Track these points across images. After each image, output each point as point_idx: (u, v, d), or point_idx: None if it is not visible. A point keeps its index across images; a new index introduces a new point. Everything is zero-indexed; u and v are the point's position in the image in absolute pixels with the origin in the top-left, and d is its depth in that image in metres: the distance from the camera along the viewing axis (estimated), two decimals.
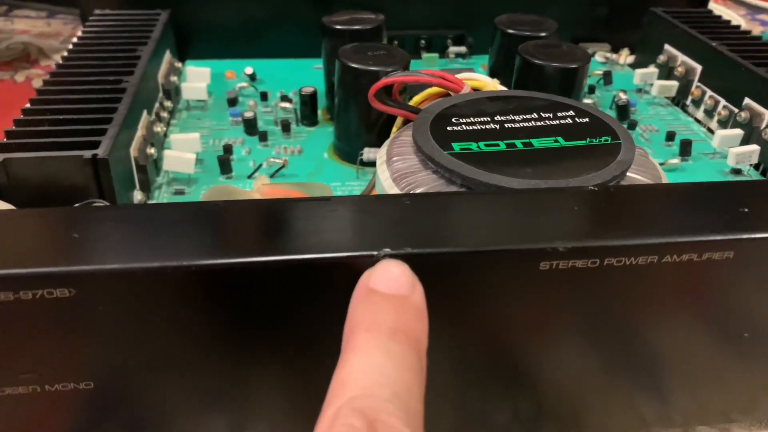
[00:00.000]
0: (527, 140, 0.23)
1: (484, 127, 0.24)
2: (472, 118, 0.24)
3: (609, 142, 0.23)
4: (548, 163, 0.22)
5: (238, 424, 0.18)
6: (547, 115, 0.25)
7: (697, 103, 0.37)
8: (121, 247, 0.15)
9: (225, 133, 0.34)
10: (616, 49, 0.46)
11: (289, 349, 0.17)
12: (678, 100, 0.39)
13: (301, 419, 0.18)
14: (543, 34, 0.34)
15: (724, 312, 0.18)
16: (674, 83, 0.38)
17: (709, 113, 0.36)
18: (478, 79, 0.28)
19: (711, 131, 0.36)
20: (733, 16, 0.63)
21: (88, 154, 0.23)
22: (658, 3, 0.44)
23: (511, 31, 0.35)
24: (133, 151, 0.27)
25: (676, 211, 0.18)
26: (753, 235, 0.17)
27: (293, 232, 0.16)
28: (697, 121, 0.37)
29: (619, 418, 0.21)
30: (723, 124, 0.35)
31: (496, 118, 0.25)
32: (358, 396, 0.12)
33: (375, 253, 0.15)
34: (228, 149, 0.31)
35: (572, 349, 0.18)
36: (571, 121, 0.25)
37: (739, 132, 0.33)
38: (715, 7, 0.65)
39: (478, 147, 0.22)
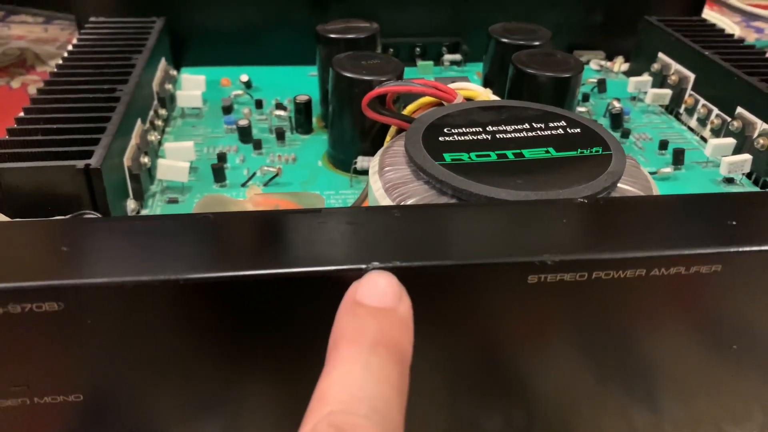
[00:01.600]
0: (518, 151, 0.23)
1: (475, 138, 0.24)
2: (464, 129, 0.25)
3: (600, 152, 0.23)
4: (539, 174, 0.22)
5: None
6: (538, 125, 0.25)
7: (690, 111, 0.37)
8: (111, 261, 0.15)
9: (219, 140, 0.34)
10: (610, 57, 0.46)
11: (278, 362, 0.17)
12: (671, 109, 0.39)
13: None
14: (537, 43, 0.34)
15: (713, 324, 0.18)
16: (668, 91, 0.38)
17: (702, 122, 0.36)
18: (471, 88, 0.29)
19: (704, 140, 0.36)
20: (728, 23, 0.63)
21: (80, 164, 0.23)
22: (653, 11, 0.44)
23: (505, 39, 0.35)
24: (126, 161, 0.27)
25: (664, 224, 0.18)
26: (741, 249, 0.17)
27: (283, 245, 0.16)
28: (691, 129, 0.37)
29: (610, 429, 0.21)
30: (716, 132, 0.35)
31: (488, 129, 0.25)
32: (335, 411, 0.12)
33: (364, 266, 0.15)
34: (222, 157, 0.32)
35: (562, 361, 0.18)
36: (562, 132, 0.25)
37: (731, 141, 0.33)
38: (710, 15, 0.65)
39: (470, 158, 0.23)
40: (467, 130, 0.25)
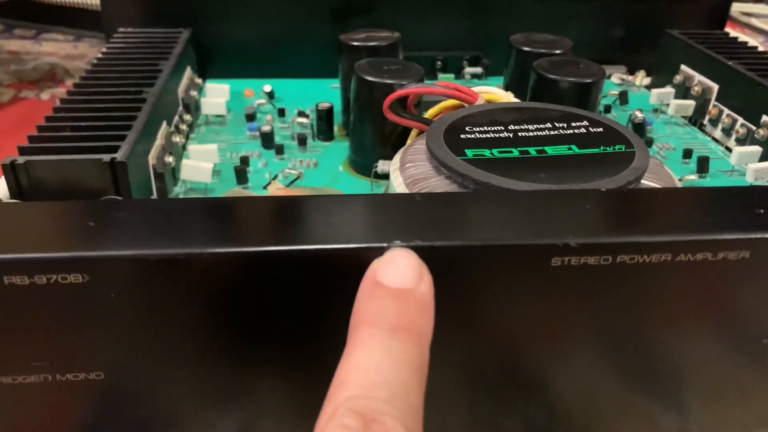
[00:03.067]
0: (541, 148, 0.23)
1: (497, 136, 0.24)
2: (485, 127, 0.25)
3: (623, 150, 0.23)
4: (562, 169, 0.22)
5: (249, 417, 0.18)
6: (561, 125, 0.25)
7: (714, 122, 0.37)
8: (135, 235, 0.15)
9: (242, 146, 0.34)
10: (632, 71, 0.46)
11: (300, 341, 0.16)
12: (695, 120, 0.39)
13: (311, 413, 0.18)
14: (558, 52, 0.34)
15: (741, 315, 0.18)
16: (691, 102, 0.38)
17: (727, 132, 0.36)
18: (492, 91, 0.29)
19: (729, 150, 0.35)
20: (751, 42, 0.63)
21: (107, 157, 0.24)
22: (675, 26, 0.44)
23: (526, 48, 0.35)
24: (151, 159, 0.27)
25: (691, 211, 0.18)
26: None
27: (305, 223, 0.16)
28: (715, 140, 0.37)
29: (632, 426, 0.20)
30: (741, 142, 0.35)
31: (509, 128, 0.25)
32: (355, 396, 0.12)
33: (385, 245, 0.15)
34: (245, 161, 0.32)
35: (583, 349, 0.18)
36: (585, 131, 0.25)
37: (757, 149, 0.33)
38: (733, 33, 0.65)
39: (492, 153, 0.23)
40: (489, 128, 0.25)
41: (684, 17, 0.46)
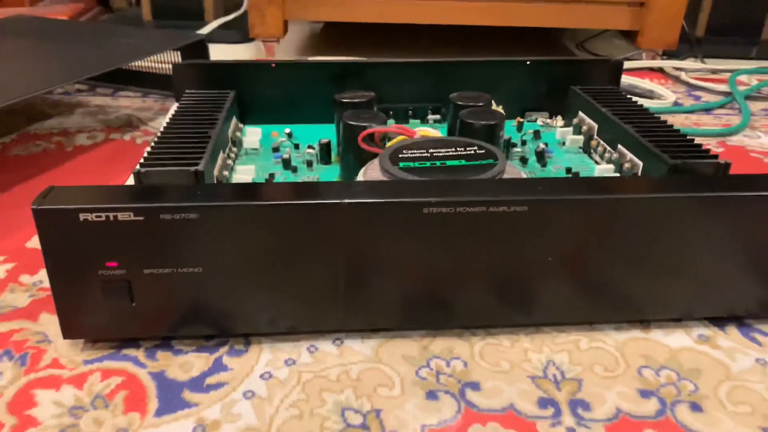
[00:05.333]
0: (444, 162, 0.40)
1: (420, 155, 0.41)
2: (414, 151, 0.41)
3: (493, 162, 0.40)
4: (453, 172, 0.39)
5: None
6: (460, 149, 0.42)
7: (595, 150, 0.54)
8: (223, 190, 0.32)
9: (270, 168, 0.52)
10: (552, 116, 0.62)
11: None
12: (586, 148, 0.55)
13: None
14: (480, 104, 0.51)
15: (525, 243, 0.34)
16: (580, 137, 0.55)
17: (602, 156, 0.52)
18: (427, 130, 0.46)
19: None
20: (666, 92, 0.80)
21: (192, 168, 0.41)
22: (584, 82, 0.60)
23: (459, 102, 0.52)
24: (215, 172, 0.44)
25: (508, 186, 0.34)
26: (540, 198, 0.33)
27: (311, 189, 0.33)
28: (596, 162, 0.53)
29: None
30: (610, 162, 0.51)
31: (429, 151, 0.42)
32: None
33: (338, 201, 0.32)
34: (271, 176, 0.49)
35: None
36: (474, 152, 0.41)
37: (611, 166, 0.49)
38: (654, 86, 0.82)
39: (413, 164, 0.39)
40: (416, 151, 0.41)
41: (594, 76, 0.63)
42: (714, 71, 0.94)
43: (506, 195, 0.33)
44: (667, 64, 0.94)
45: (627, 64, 0.94)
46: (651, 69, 0.95)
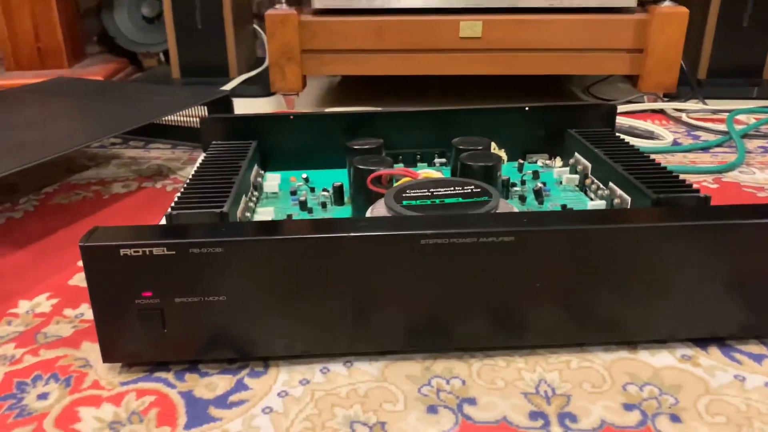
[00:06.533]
0: (443, 199, 0.44)
1: (422, 194, 0.45)
2: (417, 190, 0.46)
3: (487, 199, 0.44)
4: (450, 208, 0.43)
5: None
6: (458, 188, 0.46)
7: (589, 188, 0.57)
8: (244, 228, 0.37)
9: (288, 210, 0.56)
10: (551, 157, 0.67)
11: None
12: (582, 187, 0.59)
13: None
14: (480, 148, 0.56)
15: (516, 270, 0.38)
16: (576, 176, 0.59)
17: (595, 193, 0.56)
18: (429, 172, 0.50)
19: None
20: (665, 133, 0.84)
21: (218, 210, 0.45)
22: (580, 126, 0.65)
23: (460, 146, 0.56)
24: (239, 214, 0.49)
25: (497, 219, 0.38)
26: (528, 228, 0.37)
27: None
28: (591, 199, 0.57)
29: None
30: (603, 198, 0.55)
31: (430, 190, 0.46)
32: None
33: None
34: (289, 217, 0.53)
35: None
36: (470, 191, 0.46)
37: (602, 202, 0.53)
38: (654, 127, 0.86)
39: (415, 202, 0.44)
40: (419, 191, 0.46)
41: (590, 119, 0.67)
42: (714, 111, 0.97)
43: (494, 226, 0.37)
44: (668, 106, 0.98)
45: (630, 107, 0.98)
46: (653, 111, 0.99)
